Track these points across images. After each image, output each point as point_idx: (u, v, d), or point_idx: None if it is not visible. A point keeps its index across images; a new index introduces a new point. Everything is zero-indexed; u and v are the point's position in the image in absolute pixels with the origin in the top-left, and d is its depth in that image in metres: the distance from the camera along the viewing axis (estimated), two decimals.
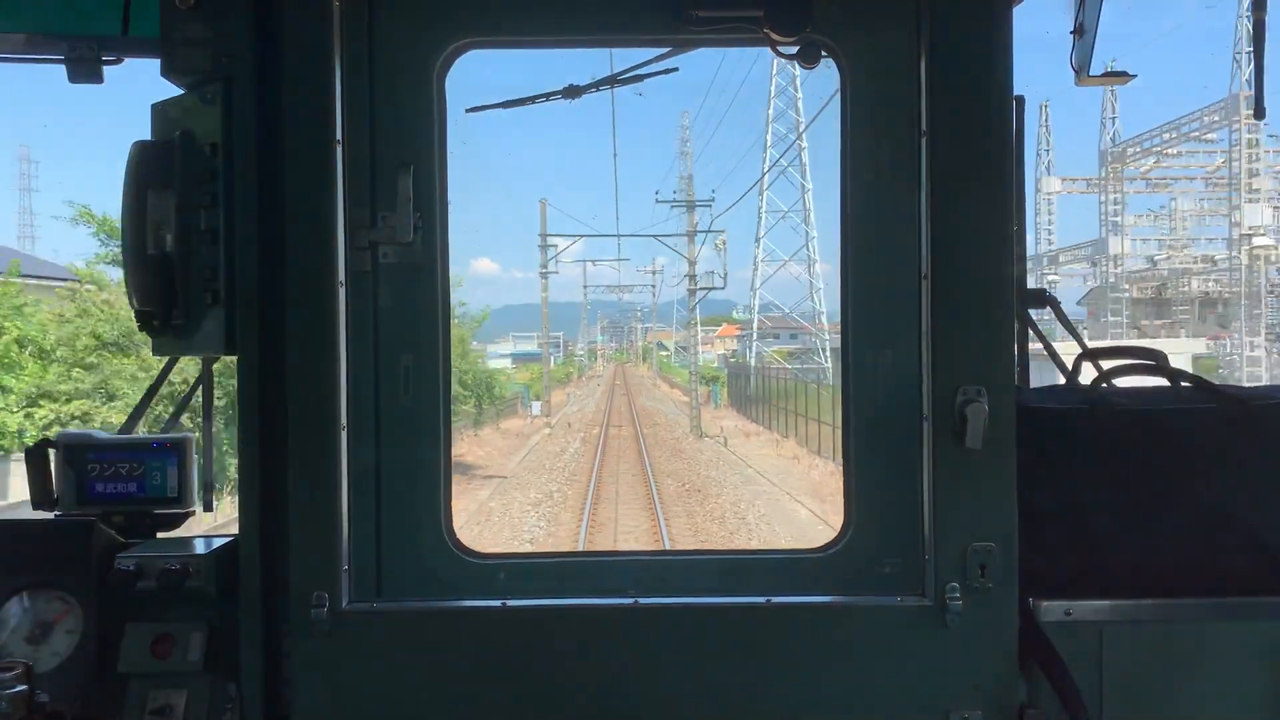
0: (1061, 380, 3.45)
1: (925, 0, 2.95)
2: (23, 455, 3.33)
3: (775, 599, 3.01)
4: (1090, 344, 3.49)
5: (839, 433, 3.25)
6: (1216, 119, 59.96)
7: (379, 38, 3.06)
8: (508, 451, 44.78)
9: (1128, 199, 71.29)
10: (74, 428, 15.35)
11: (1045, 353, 3.60)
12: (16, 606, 3.06)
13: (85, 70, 3.29)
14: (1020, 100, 3.16)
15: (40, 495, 3.27)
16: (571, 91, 3.51)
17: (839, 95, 3.10)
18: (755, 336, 77.54)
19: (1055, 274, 74.16)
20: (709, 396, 65.64)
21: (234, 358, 3.05)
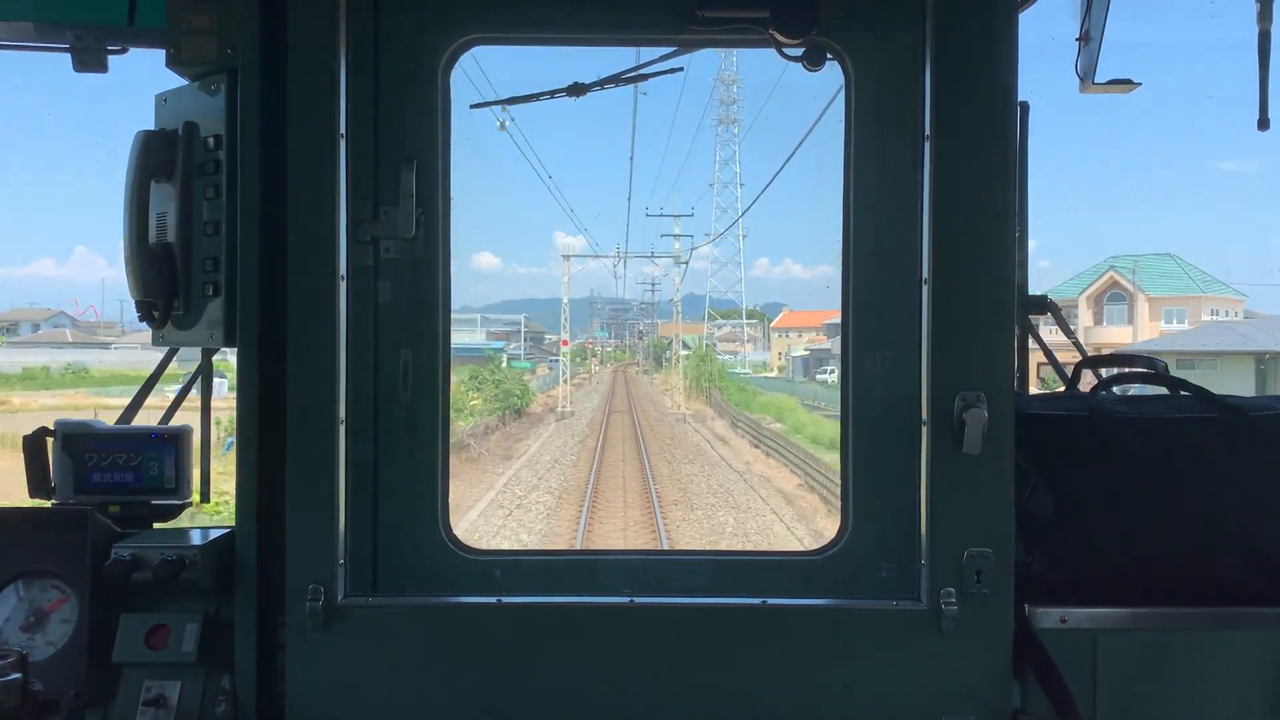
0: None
1: (931, 4, 2.96)
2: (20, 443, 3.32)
3: (770, 600, 3.01)
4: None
5: None
6: None
7: (384, 32, 3.06)
8: None
9: None
10: None
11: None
12: (12, 594, 3.06)
13: (90, 59, 3.30)
14: (1025, 106, 3.17)
15: (37, 484, 3.27)
16: (576, 89, 3.51)
17: (843, 96, 3.10)
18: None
19: None
20: None
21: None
